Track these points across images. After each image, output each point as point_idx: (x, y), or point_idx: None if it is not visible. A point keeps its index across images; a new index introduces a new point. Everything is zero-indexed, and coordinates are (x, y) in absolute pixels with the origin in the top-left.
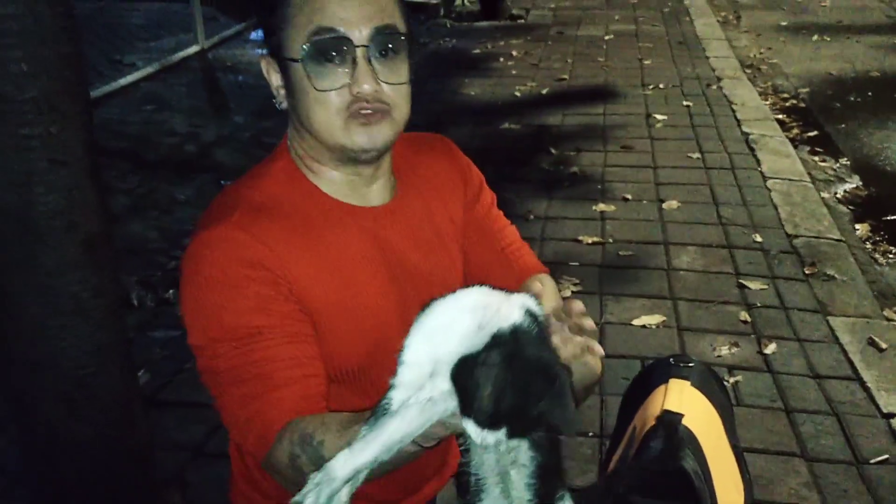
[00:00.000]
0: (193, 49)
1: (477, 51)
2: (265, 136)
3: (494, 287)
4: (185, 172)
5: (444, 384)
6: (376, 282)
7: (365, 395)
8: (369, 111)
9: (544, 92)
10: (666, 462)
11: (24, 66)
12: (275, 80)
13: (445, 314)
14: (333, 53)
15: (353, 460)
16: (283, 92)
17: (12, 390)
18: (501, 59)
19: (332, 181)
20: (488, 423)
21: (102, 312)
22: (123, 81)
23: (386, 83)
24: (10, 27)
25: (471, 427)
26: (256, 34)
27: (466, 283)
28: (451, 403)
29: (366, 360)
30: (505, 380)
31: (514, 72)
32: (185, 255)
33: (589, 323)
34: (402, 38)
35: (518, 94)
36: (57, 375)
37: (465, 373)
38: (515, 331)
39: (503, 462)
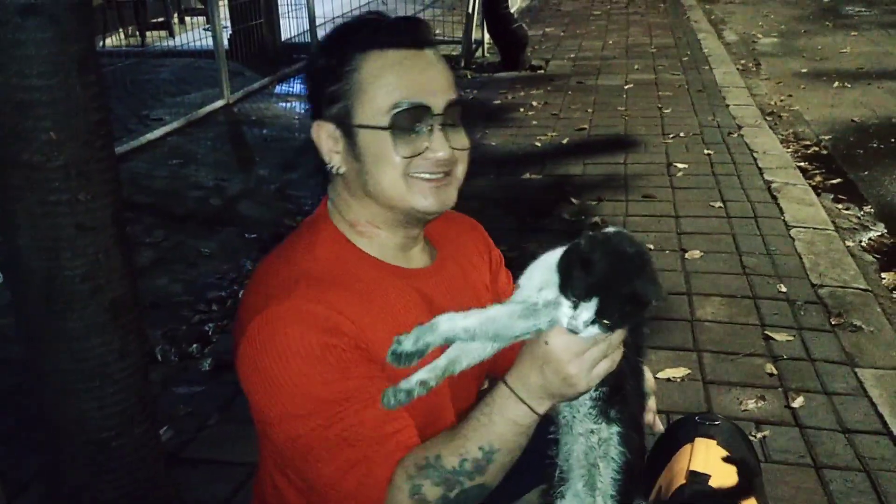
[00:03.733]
0: (219, 103)
1: (497, 101)
2: (289, 188)
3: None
4: (211, 226)
5: (551, 292)
6: None
7: None
8: (440, 175)
9: (565, 142)
10: None
11: (52, 135)
12: (329, 144)
13: (558, 250)
14: (417, 123)
15: (456, 321)
16: (337, 157)
17: (41, 450)
18: (522, 110)
19: (382, 245)
20: (584, 293)
21: (126, 375)
22: (150, 136)
23: (455, 149)
24: (41, 98)
25: (565, 310)
26: (281, 88)
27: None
28: (554, 313)
29: (425, 417)
30: (601, 257)
31: (534, 122)
32: (250, 334)
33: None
34: (464, 107)
35: (539, 143)
36: (82, 438)
37: (566, 258)
38: (616, 231)
39: (593, 454)
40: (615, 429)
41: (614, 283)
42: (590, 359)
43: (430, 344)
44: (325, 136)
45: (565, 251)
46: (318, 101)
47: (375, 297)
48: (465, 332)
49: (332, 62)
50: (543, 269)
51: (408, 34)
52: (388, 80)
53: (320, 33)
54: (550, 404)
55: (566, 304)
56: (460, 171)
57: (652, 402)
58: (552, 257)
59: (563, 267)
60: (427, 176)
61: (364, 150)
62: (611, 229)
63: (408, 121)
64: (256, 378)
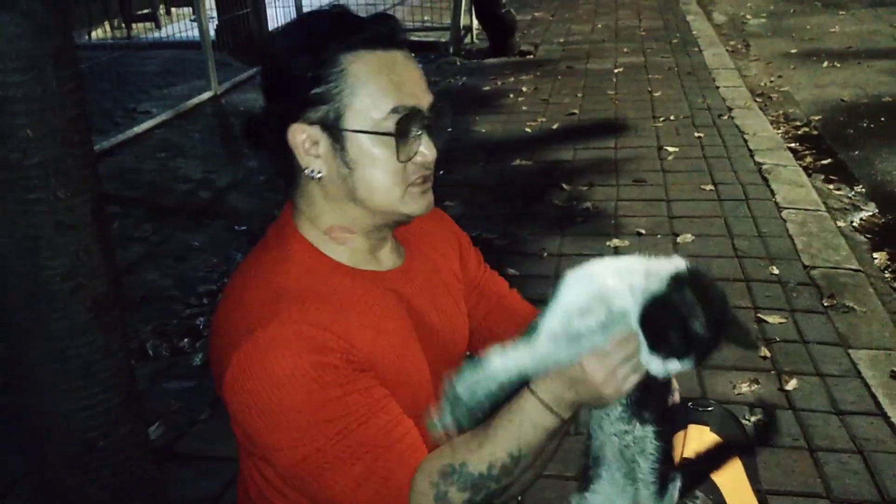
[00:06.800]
0: (207, 95)
1: (487, 88)
2: (278, 179)
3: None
4: (200, 219)
5: (594, 318)
6: (412, 339)
7: None
8: (426, 178)
9: (555, 127)
10: None
11: (29, 133)
12: (307, 148)
13: (596, 265)
14: (415, 128)
15: (505, 359)
16: (317, 161)
17: (27, 451)
18: (511, 96)
19: (353, 251)
20: (683, 354)
21: (111, 374)
22: (138, 129)
23: (437, 150)
24: (16, 94)
25: (655, 364)
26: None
27: (472, 337)
28: (598, 339)
29: (416, 416)
30: (702, 312)
31: (524, 108)
32: (238, 366)
33: None
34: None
35: (529, 129)
36: (68, 438)
37: (659, 312)
38: (693, 271)
39: (630, 452)
40: (650, 427)
41: (715, 344)
42: (622, 375)
43: (480, 380)
44: (303, 140)
45: (656, 307)
46: (294, 103)
47: (354, 307)
48: (518, 369)
49: (314, 62)
50: (586, 295)
51: (392, 34)
52: (383, 83)
53: None
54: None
55: (655, 357)
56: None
57: (676, 395)
58: (595, 281)
59: (657, 328)
60: (418, 180)
61: (357, 155)
62: (689, 268)
63: (407, 125)
64: (255, 412)
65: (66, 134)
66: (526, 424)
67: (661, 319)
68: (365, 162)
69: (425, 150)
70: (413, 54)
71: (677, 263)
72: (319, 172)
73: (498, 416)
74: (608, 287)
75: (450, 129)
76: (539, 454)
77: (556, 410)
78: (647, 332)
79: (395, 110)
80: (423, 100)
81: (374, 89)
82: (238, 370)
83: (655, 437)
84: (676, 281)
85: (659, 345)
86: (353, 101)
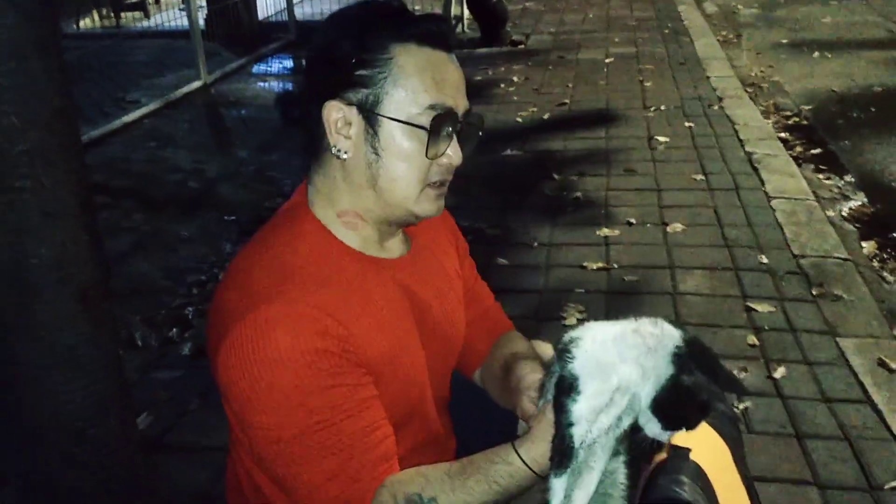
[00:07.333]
0: (196, 84)
1: (478, 77)
2: (269, 170)
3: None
4: (190, 209)
5: (627, 405)
6: (412, 330)
7: (408, 438)
8: (444, 183)
9: (546, 117)
10: (674, 500)
11: (15, 120)
12: (339, 128)
13: (604, 346)
14: (447, 127)
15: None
16: (347, 142)
17: (17, 444)
18: (503, 85)
19: (364, 238)
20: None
21: (99, 365)
22: (127, 119)
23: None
24: (1, 82)
25: (655, 430)
26: (258, 68)
27: None
28: (626, 422)
29: (410, 410)
30: (710, 389)
31: (515, 97)
32: (236, 339)
33: None
34: (473, 119)
35: (520, 119)
36: (56, 429)
37: (674, 397)
38: (690, 343)
39: (603, 486)
40: (621, 458)
41: (716, 407)
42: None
43: None
44: (338, 118)
45: (669, 392)
46: (337, 82)
47: (358, 292)
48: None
49: (364, 45)
50: (607, 389)
51: (443, 34)
52: (426, 79)
53: (298, 12)
54: None
55: (659, 427)
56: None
57: None
58: (610, 372)
59: (674, 410)
60: (438, 181)
61: (388, 143)
62: (686, 340)
63: (441, 124)
64: (244, 385)
65: (52, 122)
66: (504, 480)
67: (677, 402)
68: (393, 151)
69: (452, 152)
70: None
71: (671, 335)
72: (346, 153)
73: (477, 464)
74: (628, 378)
75: (479, 141)
76: (509, 500)
77: (538, 471)
78: (661, 414)
79: (432, 107)
80: (460, 104)
81: (416, 83)
82: (236, 343)
83: (626, 467)
84: (680, 359)
85: (673, 423)
86: (395, 91)
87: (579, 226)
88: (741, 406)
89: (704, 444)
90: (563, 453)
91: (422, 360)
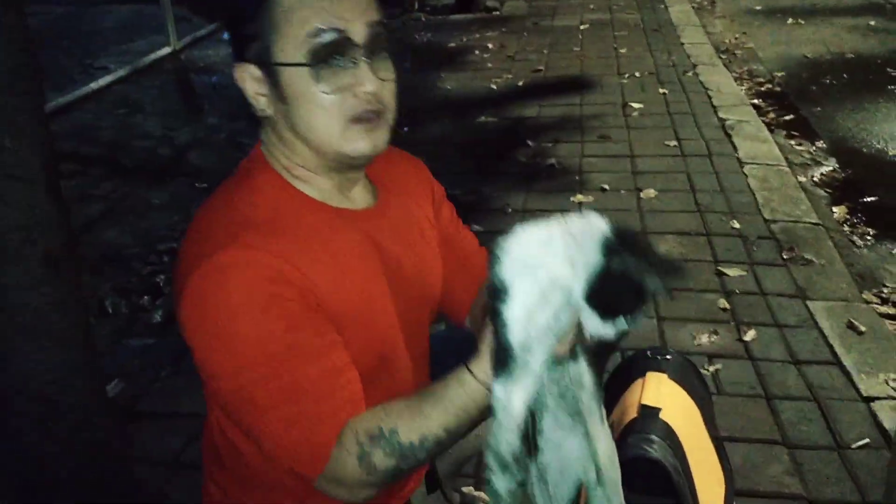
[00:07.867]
0: (166, 51)
1: (452, 44)
2: (240, 137)
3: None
4: (160, 177)
5: (564, 299)
6: (380, 282)
7: (379, 393)
8: (372, 115)
9: (520, 84)
10: (644, 458)
11: None
12: (254, 87)
13: (530, 247)
14: (336, 55)
15: (508, 400)
16: (263, 99)
17: None
18: (477, 52)
19: (321, 188)
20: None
21: (67, 329)
22: (95, 85)
23: (383, 81)
24: None
25: (607, 329)
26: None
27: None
28: (565, 318)
29: (379, 362)
30: (642, 271)
31: (489, 64)
32: (191, 287)
33: None
34: (388, 32)
35: (494, 86)
36: (26, 395)
37: (607, 284)
38: (619, 233)
39: (571, 391)
40: (582, 360)
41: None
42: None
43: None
44: (249, 79)
45: (601, 280)
46: (238, 42)
47: (319, 241)
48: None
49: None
50: (539, 287)
51: None
52: (302, 11)
53: None
54: None
55: (598, 320)
56: (391, 110)
57: None
58: (539, 269)
59: (609, 298)
60: (359, 116)
61: (288, 89)
62: (613, 229)
63: (327, 52)
64: (201, 332)
65: (13, 81)
66: (459, 399)
67: (611, 290)
68: (297, 96)
69: (363, 78)
70: None
71: (598, 225)
72: (267, 111)
73: (434, 390)
74: (557, 273)
75: (406, 63)
76: (471, 428)
77: (490, 385)
78: (596, 304)
79: (311, 34)
80: (357, 23)
81: (296, 19)
82: (191, 292)
83: (589, 365)
84: (609, 247)
85: (611, 312)
86: (276, 35)
87: (553, 192)
88: (712, 368)
89: (674, 404)
90: (501, 358)
91: (391, 313)
